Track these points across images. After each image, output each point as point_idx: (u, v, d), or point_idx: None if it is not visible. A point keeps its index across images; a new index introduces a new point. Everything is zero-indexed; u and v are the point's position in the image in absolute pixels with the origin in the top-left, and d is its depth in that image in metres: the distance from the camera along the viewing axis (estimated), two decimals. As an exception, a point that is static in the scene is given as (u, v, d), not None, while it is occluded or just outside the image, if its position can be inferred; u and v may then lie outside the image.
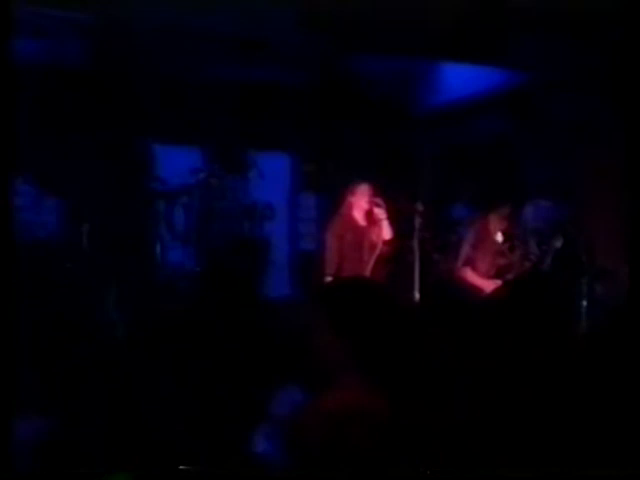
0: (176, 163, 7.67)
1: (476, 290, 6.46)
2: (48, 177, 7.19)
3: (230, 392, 2.13)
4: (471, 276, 6.60)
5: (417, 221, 7.05)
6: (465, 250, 6.64)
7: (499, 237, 6.64)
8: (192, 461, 2.06)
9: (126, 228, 7.51)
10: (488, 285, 6.42)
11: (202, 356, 2.25)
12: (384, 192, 6.76)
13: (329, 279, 6.52)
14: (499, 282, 6.36)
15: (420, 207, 7.07)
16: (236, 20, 6.04)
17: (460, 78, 7.86)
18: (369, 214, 6.76)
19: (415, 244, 7.00)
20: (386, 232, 6.72)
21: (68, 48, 6.99)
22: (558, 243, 6.63)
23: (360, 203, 6.71)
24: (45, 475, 2.00)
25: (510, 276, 6.44)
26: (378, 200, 6.69)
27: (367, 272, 6.57)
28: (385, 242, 6.71)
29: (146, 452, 2.15)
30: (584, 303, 6.55)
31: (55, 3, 5.97)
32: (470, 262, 6.61)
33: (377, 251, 6.67)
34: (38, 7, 5.58)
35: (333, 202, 7.07)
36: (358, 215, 6.76)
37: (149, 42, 6.85)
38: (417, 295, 6.88)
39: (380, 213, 6.69)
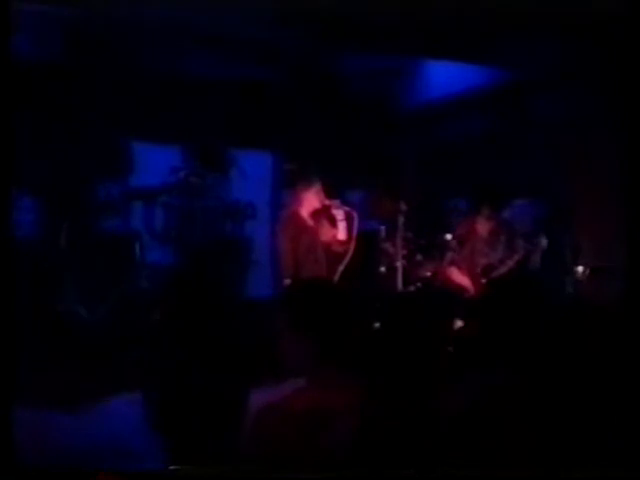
0: (156, 161, 7.57)
1: (461, 289, 6.50)
2: (24, 175, 7.07)
3: (208, 393, 2.14)
4: (457, 275, 6.64)
5: (400, 221, 7.04)
6: (451, 250, 6.66)
7: (485, 236, 6.68)
8: (171, 461, 2.09)
9: (104, 227, 7.42)
10: (473, 284, 6.48)
11: (181, 357, 2.21)
12: (372, 191, 6.68)
13: (288, 281, 6.38)
14: (484, 281, 6.35)
15: (404, 206, 7.06)
16: (216, 16, 5.98)
17: (445, 76, 7.82)
18: (325, 215, 6.66)
19: (398, 244, 6.99)
20: (342, 233, 6.61)
21: (46, 43, 6.90)
22: (544, 242, 6.63)
23: (313, 203, 6.58)
24: (40, 474, 2.05)
25: (496, 275, 6.48)
26: (335, 201, 6.59)
27: (325, 273, 6.47)
28: (342, 243, 6.61)
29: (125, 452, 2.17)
30: (570, 302, 6.36)
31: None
32: (456, 261, 6.65)
33: (340, 252, 6.59)
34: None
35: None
36: (311, 215, 6.62)
37: (128, 38, 6.78)
38: (400, 294, 6.84)
39: (338, 214, 6.59)
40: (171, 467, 2.05)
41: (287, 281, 6.34)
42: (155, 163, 7.55)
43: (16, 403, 2.22)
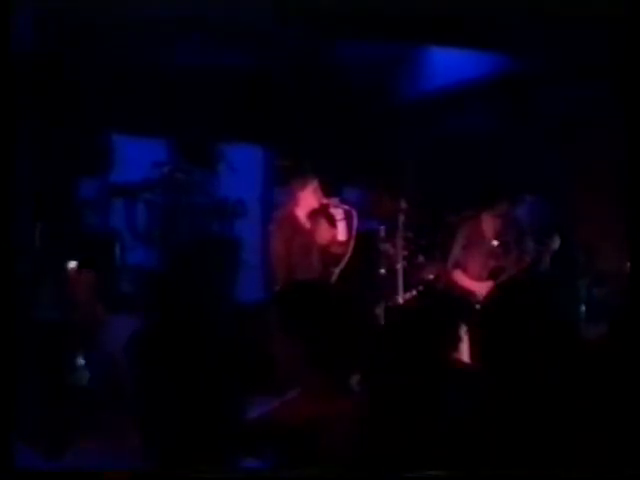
0: (138, 155, 7.43)
1: (467, 293, 6.33)
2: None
3: (198, 401, 2.02)
4: (462, 278, 6.47)
5: (401, 220, 6.93)
6: (455, 251, 6.49)
7: (492, 237, 6.48)
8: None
9: (82, 227, 7.30)
10: (480, 287, 6.28)
11: (167, 365, 2.04)
12: (370, 188, 6.59)
13: (281, 284, 6.21)
14: (492, 284, 6.19)
15: (404, 205, 6.93)
16: (209, 6, 5.89)
17: (446, 72, 7.73)
18: (323, 214, 6.48)
19: (399, 244, 6.89)
20: (341, 233, 6.46)
21: (24, 34, 6.66)
22: (555, 244, 6.44)
23: (310, 202, 6.38)
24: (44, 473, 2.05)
25: (504, 278, 6.29)
26: (334, 200, 6.44)
27: (321, 276, 6.30)
28: (341, 244, 6.46)
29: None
30: (582, 306, 6.49)
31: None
32: (461, 264, 6.48)
33: (338, 253, 6.42)
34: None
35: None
36: (308, 216, 6.42)
37: (111, 29, 6.63)
38: (400, 299, 6.80)
39: (337, 213, 6.44)
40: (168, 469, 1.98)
41: (280, 284, 6.17)
42: (137, 157, 7.43)
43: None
